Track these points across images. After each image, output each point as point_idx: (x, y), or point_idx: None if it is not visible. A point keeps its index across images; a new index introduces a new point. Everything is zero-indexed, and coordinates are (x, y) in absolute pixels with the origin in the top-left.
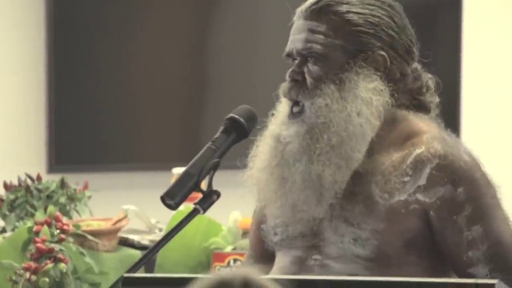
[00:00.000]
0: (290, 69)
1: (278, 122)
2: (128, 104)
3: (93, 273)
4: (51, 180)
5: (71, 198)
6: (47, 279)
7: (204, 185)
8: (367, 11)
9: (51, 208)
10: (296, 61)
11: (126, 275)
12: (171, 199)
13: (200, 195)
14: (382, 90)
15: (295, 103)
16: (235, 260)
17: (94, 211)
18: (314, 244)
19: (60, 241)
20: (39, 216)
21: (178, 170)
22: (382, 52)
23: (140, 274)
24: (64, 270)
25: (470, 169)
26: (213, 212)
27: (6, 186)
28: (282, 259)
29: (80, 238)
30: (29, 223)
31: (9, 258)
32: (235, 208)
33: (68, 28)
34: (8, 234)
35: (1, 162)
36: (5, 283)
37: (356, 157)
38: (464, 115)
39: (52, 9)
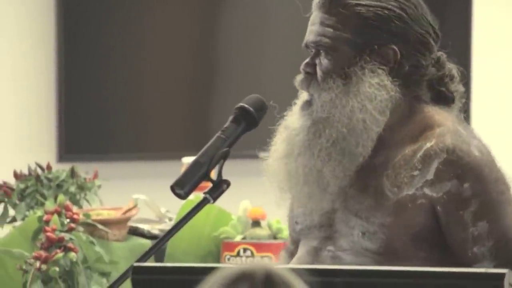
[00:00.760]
0: (305, 61)
1: (293, 112)
2: (138, 93)
3: (103, 262)
4: (61, 169)
5: (81, 187)
6: (57, 268)
7: (214, 174)
8: (377, 3)
9: (61, 197)
10: (313, 53)
11: (136, 264)
12: (181, 188)
13: (210, 185)
14: (386, 85)
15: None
16: (244, 250)
17: (104, 200)
18: (329, 235)
19: (70, 230)
20: (49, 205)
21: (188, 160)
22: (392, 46)
23: (150, 263)
24: (74, 259)
25: (478, 164)
26: (223, 201)
27: (16, 175)
28: (300, 249)
29: (90, 227)
30: (39, 212)
31: (20, 247)
32: (245, 197)
33: (78, 18)
34: (18, 223)
35: (11, 152)
36: (15, 272)
37: (360, 152)
38: (474, 114)
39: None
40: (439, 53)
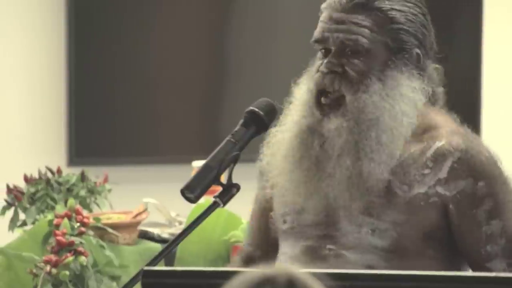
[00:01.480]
0: (326, 60)
1: (302, 112)
2: (148, 97)
3: (113, 266)
4: (71, 173)
5: (91, 191)
6: (67, 272)
7: (224, 178)
8: (406, 8)
9: (71, 201)
10: (332, 52)
11: (146, 268)
12: (191, 192)
13: (220, 189)
14: (424, 88)
15: (324, 93)
16: None
17: (114, 204)
18: (327, 234)
19: (80, 234)
20: (60, 209)
21: (198, 163)
22: (418, 50)
23: (160, 267)
24: (84, 263)
25: (491, 164)
26: (233, 205)
27: (27, 179)
28: (291, 249)
29: (100, 231)
30: (50, 216)
31: (30, 251)
32: None
33: (88, 20)
34: (28, 227)
35: (21, 155)
36: (25, 276)
37: (396, 155)
38: (484, 110)
39: (72, 2)
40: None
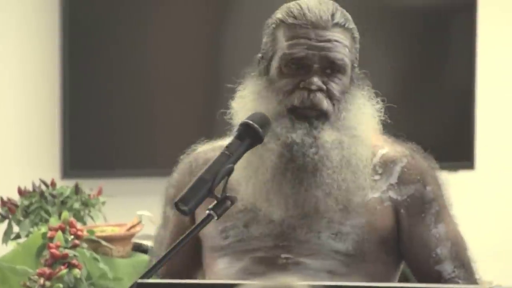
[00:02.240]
0: (313, 78)
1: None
2: (143, 109)
3: (107, 278)
4: (65, 185)
5: (85, 204)
6: (61, 285)
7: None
8: (354, 25)
9: (65, 213)
10: (313, 69)
11: (140, 280)
12: (185, 205)
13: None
14: (373, 105)
15: (298, 109)
16: None
17: (108, 216)
18: (277, 244)
19: (74, 246)
20: (53, 221)
21: None
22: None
23: (154, 279)
24: (78, 276)
25: (433, 169)
26: None
27: (20, 192)
28: (236, 263)
29: (94, 244)
30: (43, 229)
31: (24, 263)
32: None
33: (83, 30)
34: (22, 240)
35: (15, 168)
36: None
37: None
38: (478, 120)
39: (67, 9)
40: None
